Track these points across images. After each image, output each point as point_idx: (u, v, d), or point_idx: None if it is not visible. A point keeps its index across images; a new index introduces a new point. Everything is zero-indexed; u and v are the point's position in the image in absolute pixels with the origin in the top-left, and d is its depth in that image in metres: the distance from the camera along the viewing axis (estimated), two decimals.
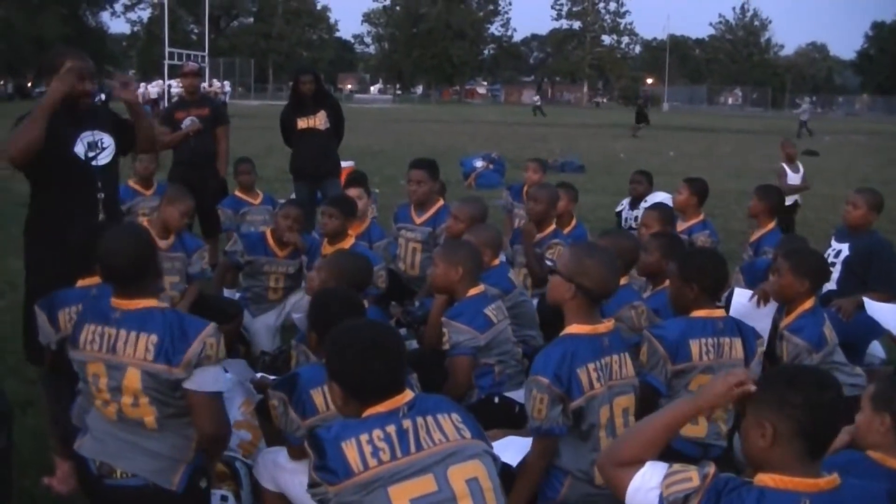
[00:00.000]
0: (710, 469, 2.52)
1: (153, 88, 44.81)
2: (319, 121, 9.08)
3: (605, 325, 3.68)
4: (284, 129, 9.36)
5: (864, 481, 2.62)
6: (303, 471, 3.45)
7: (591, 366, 3.53)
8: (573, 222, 7.47)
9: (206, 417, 3.41)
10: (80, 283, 4.17)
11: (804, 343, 4.63)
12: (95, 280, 4.07)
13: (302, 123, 9.09)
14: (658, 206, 7.10)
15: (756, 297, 5.34)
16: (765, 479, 2.44)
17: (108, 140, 4.98)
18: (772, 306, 5.16)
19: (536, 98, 66.20)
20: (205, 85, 34.99)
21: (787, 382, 2.47)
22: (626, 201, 9.46)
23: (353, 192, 7.02)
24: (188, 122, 8.72)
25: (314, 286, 4.73)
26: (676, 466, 2.60)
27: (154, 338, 3.35)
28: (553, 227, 6.81)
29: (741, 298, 5.47)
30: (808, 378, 2.48)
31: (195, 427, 3.45)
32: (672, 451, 4.07)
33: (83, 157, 4.84)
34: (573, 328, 3.62)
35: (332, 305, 3.76)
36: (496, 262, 5.56)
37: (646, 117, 41.20)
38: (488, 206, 6.73)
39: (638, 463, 2.66)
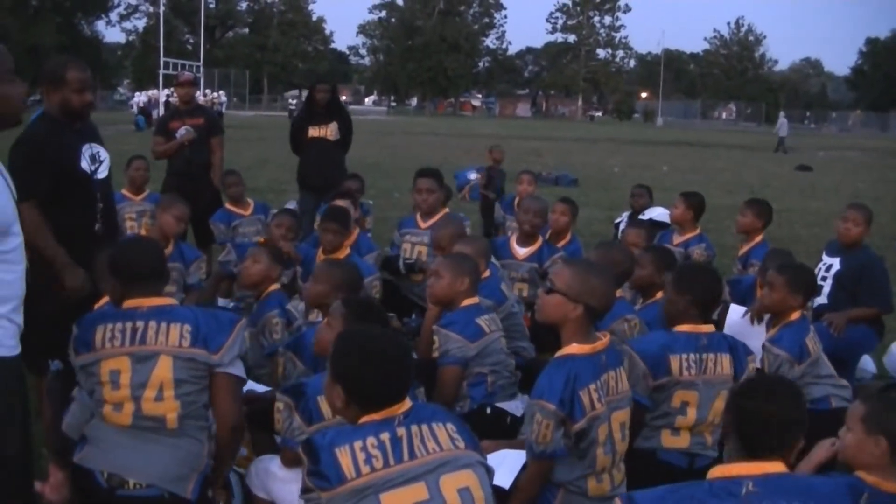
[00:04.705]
0: None
1: (142, 97, 45.07)
2: (330, 132, 9.13)
3: (602, 342, 3.63)
4: (294, 136, 9.40)
5: (827, 476, 2.88)
6: (294, 479, 3.47)
7: (591, 387, 3.50)
8: (568, 237, 7.50)
9: (230, 400, 3.57)
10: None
11: (784, 353, 4.66)
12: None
13: (313, 132, 9.14)
14: (639, 223, 7.14)
15: (749, 315, 5.37)
16: (714, 471, 2.71)
17: (104, 153, 4.98)
18: (766, 324, 5.18)
19: (293, 102, 62.72)
20: (199, 94, 35.04)
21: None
22: (625, 214, 9.52)
23: (341, 202, 7.01)
24: (182, 131, 8.72)
25: (311, 295, 4.74)
26: None
27: (188, 326, 3.50)
28: (540, 241, 6.83)
29: (735, 315, 5.49)
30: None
31: (216, 414, 3.57)
32: (659, 462, 4.10)
33: (88, 172, 4.84)
34: (573, 348, 3.56)
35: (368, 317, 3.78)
36: (486, 273, 5.57)
37: None
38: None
39: None
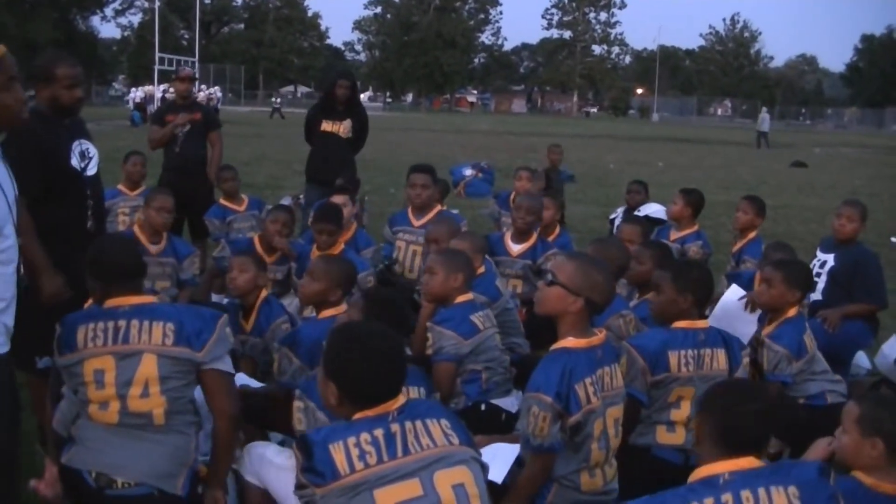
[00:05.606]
0: None
1: (138, 93, 45.11)
2: (344, 128, 9.10)
3: (599, 337, 3.63)
4: (308, 127, 9.38)
5: (799, 462, 2.96)
6: (290, 468, 3.46)
7: (587, 380, 3.50)
8: (557, 230, 7.50)
9: (225, 395, 3.55)
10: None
11: (783, 350, 4.68)
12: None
13: (326, 126, 9.11)
14: (634, 219, 7.14)
15: (745, 300, 5.37)
16: (693, 475, 2.76)
17: (93, 149, 4.95)
18: (758, 311, 5.20)
19: (277, 100, 60.47)
20: (198, 91, 35.03)
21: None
22: (620, 210, 9.51)
23: (338, 199, 7.00)
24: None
25: (307, 293, 4.73)
26: None
27: (171, 325, 3.46)
28: (534, 238, 6.82)
29: (732, 296, 5.49)
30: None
31: (213, 409, 3.56)
32: (654, 458, 4.11)
33: (79, 169, 4.81)
34: (569, 342, 3.55)
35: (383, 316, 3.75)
36: (481, 269, 5.56)
37: None
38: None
39: None
